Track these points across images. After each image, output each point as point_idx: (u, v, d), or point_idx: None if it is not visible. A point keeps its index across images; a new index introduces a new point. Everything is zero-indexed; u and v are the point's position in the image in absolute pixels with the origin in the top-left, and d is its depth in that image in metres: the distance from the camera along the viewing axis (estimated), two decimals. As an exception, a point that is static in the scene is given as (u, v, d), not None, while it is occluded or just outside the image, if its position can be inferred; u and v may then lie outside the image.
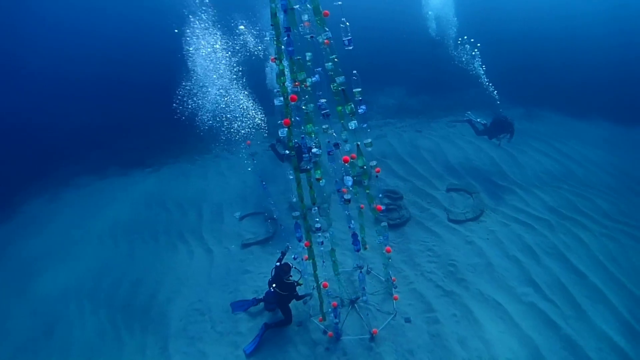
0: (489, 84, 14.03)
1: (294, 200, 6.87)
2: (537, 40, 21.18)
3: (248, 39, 13.88)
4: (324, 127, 6.20)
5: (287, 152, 6.11)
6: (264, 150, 15.54)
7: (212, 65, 12.59)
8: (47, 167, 16.41)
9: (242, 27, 13.89)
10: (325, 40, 5.29)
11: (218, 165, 15.45)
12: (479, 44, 14.39)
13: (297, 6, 5.18)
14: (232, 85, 12.77)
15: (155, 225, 12.05)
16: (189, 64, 12.65)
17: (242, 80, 12.89)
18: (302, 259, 7.41)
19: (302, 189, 6.26)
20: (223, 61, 12.66)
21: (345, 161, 5.80)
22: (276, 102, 5.63)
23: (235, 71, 12.84)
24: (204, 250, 10.58)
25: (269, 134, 13.98)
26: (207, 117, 13.57)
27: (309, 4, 5.09)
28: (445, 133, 15.54)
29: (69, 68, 21.16)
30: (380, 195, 7.68)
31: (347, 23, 5.24)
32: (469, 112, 14.20)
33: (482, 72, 14.27)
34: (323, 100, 5.79)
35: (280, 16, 5.14)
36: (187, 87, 13.22)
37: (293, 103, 5.50)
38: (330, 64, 5.62)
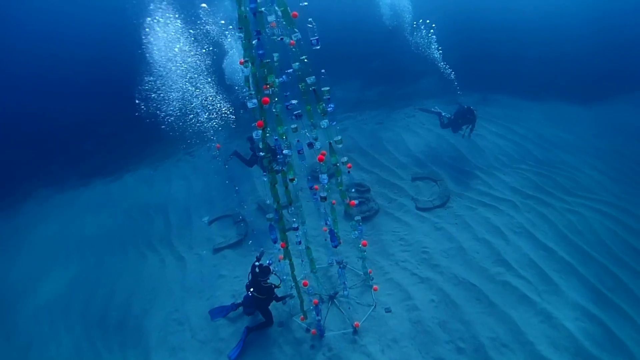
0: (446, 68, 14.35)
1: (268, 202, 6.81)
2: (490, 30, 21.94)
3: (210, 29, 13.72)
4: (292, 127, 6.12)
5: (261, 154, 6.01)
6: (226, 154, 15.21)
7: (172, 64, 12.31)
8: (4, 180, 15.72)
9: (203, 5, 13.64)
10: (291, 41, 5.36)
11: (181, 169, 15.23)
12: (434, 25, 14.69)
13: (263, 8, 5.21)
14: (194, 83, 12.55)
15: (122, 235, 11.80)
16: (148, 59, 12.31)
17: (204, 77, 12.69)
18: (278, 260, 7.29)
19: (276, 190, 6.16)
20: (185, 58, 12.41)
21: (321, 160, 5.78)
22: (249, 104, 5.61)
23: (197, 67, 12.60)
24: (175, 258, 10.35)
25: (231, 134, 13.85)
26: (167, 119, 13.25)
27: (277, 6, 5.16)
28: (405, 123, 15.77)
29: (13, 69, 20.11)
30: (350, 190, 7.69)
31: (314, 23, 5.30)
32: (436, 107, 14.51)
33: (438, 55, 14.56)
34: (294, 102, 5.88)
35: (250, 19, 5.19)
36: (145, 87, 12.85)
37: (265, 105, 5.51)
38: (297, 64, 5.63)
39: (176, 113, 13.22)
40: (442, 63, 14.56)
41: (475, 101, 17.12)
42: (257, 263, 7.34)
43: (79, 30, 21.32)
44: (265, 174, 6.33)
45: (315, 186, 6.77)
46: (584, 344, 6.32)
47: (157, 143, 16.63)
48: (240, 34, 5.32)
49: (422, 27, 14.96)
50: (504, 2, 24.02)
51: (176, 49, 12.14)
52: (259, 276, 7.10)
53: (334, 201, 7.86)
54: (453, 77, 14.22)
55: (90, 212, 13.42)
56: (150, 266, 10.21)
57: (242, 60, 5.52)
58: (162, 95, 12.85)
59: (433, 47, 14.68)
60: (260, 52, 5.30)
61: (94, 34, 20.76)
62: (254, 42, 5.29)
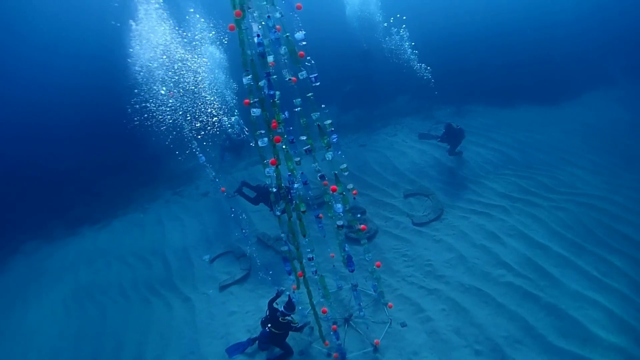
0: (424, 78, 15.29)
1: (283, 235, 7.18)
2: (456, 42, 23.31)
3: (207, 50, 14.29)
4: (296, 159, 6.65)
5: (274, 189, 6.52)
6: (214, 190, 15.64)
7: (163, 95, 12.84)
8: None
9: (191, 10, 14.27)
10: (293, 79, 5.83)
11: (171, 210, 15.28)
12: (404, 25, 15.76)
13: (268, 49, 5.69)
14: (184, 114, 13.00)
15: (120, 282, 11.72)
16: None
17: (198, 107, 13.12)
18: (292, 291, 7.73)
19: (291, 223, 6.62)
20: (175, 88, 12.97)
21: (334, 190, 6.32)
22: (260, 143, 6.04)
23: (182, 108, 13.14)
24: (181, 300, 10.41)
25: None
26: (154, 156, 13.53)
27: (285, 47, 5.63)
28: (388, 143, 16.61)
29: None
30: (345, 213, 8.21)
31: (313, 61, 5.85)
32: (432, 131, 15.35)
33: (413, 55, 15.53)
34: (304, 137, 6.36)
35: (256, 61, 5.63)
36: (130, 126, 13.25)
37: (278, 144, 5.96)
38: (299, 100, 6.17)
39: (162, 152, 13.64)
40: (415, 80, 15.57)
41: (451, 114, 18.20)
42: (274, 299, 7.75)
43: (60, 76, 21.50)
44: (277, 209, 6.81)
45: (320, 214, 7.35)
46: (590, 329, 6.98)
47: (143, 186, 16.85)
48: (247, 77, 5.70)
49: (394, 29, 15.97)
50: (461, 15, 25.72)
51: (162, 91, 12.66)
52: (284, 311, 7.50)
53: (339, 227, 8.41)
54: (428, 91, 15.22)
55: (83, 261, 13.23)
56: (157, 311, 10.19)
57: (247, 101, 5.86)
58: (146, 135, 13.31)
59: (407, 45, 15.67)
60: (271, 92, 5.72)
61: (76, 80, 20.97)
62: (261, 84, 5.71)
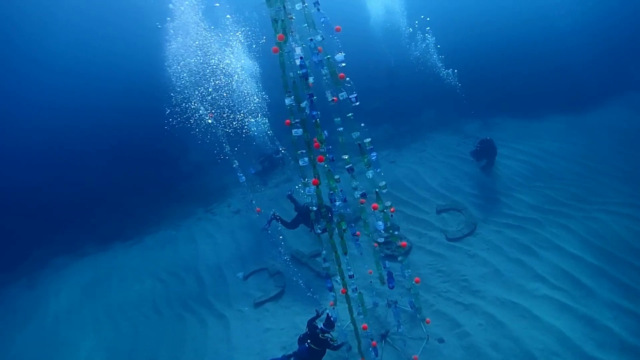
0: (450, 92, 15.74)
1: (324, 252, 7.64)
2: (479, 54, 23.71)
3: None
4: (336, 177, 7.06)
5: (314, 208, 6.96)
6: (246, 207, 16.04)
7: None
8: (19, 248, 16.01)
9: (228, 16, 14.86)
10: (334, 98, 6.13)
11: (204, 227, 15.59)
12: (428, 28, 16.31)
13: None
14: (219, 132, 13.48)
15: (154, 298, 12.00)
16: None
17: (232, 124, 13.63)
18: (331, 307, 8.21)
19: (334, 241, 7.00)
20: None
21: (375, 208, 6.75)
22: (301, 162, 6.28)
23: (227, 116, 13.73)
24: (216, 317, 10.63)
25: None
26: (185, 174, 13.98)
27: (327, 68, 6.02)
28: (417, 158, 17.13)
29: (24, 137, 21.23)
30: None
31: (352, 82, 6.24)
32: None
33: (439, 65, 16.03)
34: (346, 157, 6.73)
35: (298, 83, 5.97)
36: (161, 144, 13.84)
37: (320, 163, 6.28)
38: (338, 119, 6.61)
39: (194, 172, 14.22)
40: (441, 93, 16.07)
41: (478, 128, 18.58)
42: (315, 318, 8.25)
43: (93, 98, 22.79)
44: (318, 227, 7.19)
45: (357, 232, 7.90)
46: (627, 339, 7.30)
47: (174, 203, 17.31)
48: (290, 98, 5.95)
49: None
50: (481, 25, 26.13)
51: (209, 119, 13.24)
52: (323, 328, 8.01)
53: (375, 244, 8.92)
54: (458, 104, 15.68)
55: (115, 277, 13.54)
56: (191, 328, 10.37)
57: (289, 121, 6.14)
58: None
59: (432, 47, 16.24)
60: (314, 113, 6.00)
61: (110, 101, 22.21)
62: (303, 105, 5.98)
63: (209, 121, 12.99)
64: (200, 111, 13.09)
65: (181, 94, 14.44)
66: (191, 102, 14.13)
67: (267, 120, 15.15)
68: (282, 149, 15.26)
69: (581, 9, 24.33)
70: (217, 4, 15.86)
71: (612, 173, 13.33)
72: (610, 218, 10.68)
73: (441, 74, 17.14)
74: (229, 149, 13.02)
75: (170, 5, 14.03)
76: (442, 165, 16.01)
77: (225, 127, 13.91)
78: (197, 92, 14.19)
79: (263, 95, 16.03)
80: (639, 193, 11.78)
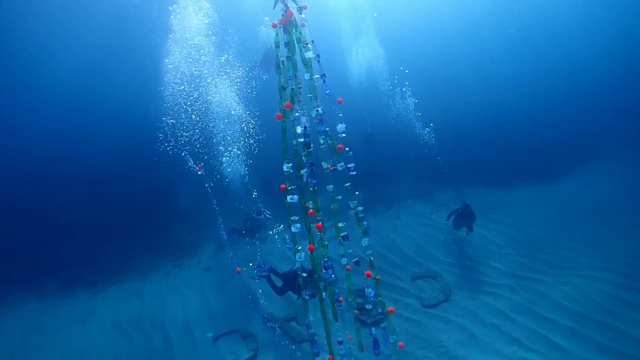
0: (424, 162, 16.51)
1: (312, 318, 7.64)
2: (450, 124, 25.18)
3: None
4: (324, 243, 7.33)
5: (304, 274, 6.99)
6: (217, 264, 16.00)
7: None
8: None
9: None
10: (328, 166, 6.21)
11: (172, 282, 15.23)
12: (407, 82, 17.32)
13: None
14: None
15: (117, 353, 11.54)
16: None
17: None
18: None
19: (324, 307, 7.12)
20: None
21: (368, 275, 6.97)
22: (293, 229, 6.24)
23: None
24: None
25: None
26: (156, 224, 13.52)
27: (329, 139, 6.15)
28: (391, 226, 17.61)
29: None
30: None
31: (351, 153, 6.59)
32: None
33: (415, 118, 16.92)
34: (341, 224, 6.97)
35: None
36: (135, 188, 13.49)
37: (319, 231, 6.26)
38: (331, 186, 6.95)
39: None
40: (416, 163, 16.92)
41: (451, 197, 19.43)
42: None
43: (68, 128, 22.92)
44: (305, 294, 7.28)
45: (341, 298, 8.03)
46: (604, 399, 7.51)
47: (142, 254, 16.89)
48: (288, 165, 5.99)
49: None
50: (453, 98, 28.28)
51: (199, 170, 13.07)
52: None
53: (357, 311, 9.01)
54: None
55: (76, 324, 13.04)
56: None
57: (283, 186, 6.08)
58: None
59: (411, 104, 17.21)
60: (314, 181, 6.06)
61: (85, 134, 22.33)
62: (303, 172, 6.02)
63: (199, 172, 13.00)
64: (190, 162, 13.08)
65: (168, 134, 14.49)
66: (179, 147, 14.11)
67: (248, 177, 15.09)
68: (267, 212, 15.30)
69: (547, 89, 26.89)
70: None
71: (582, 239, 14.15)
72: (582, 282, 11.26)
73: (417, 140, 18.21)
74: (215, 204, 13.04)
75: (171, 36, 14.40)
76: (416, 233, 16.51)
77: (209, 179, 13.78)
78: (183, 135, 14.28)
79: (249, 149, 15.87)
80: (608, 257, 12.53)
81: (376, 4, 24.27)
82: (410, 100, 19.10)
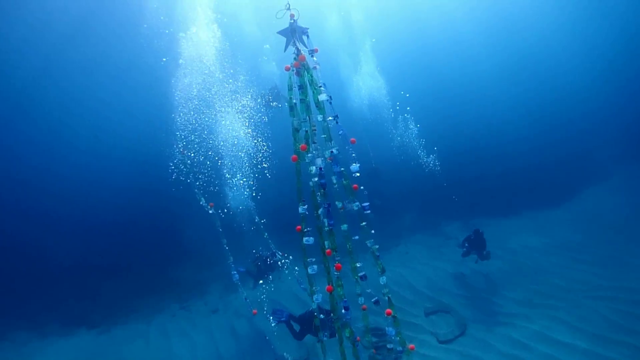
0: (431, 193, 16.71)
1: None
2: (456, 154, 25.62)
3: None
4: (339, 283, 7.38)
5: (322, 316, 7.06)
6: (225, 306, 15.91)
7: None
8: None
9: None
10: (341, 207, 6.34)
11: (178, 324, 15.02)
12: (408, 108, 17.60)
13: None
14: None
15: None
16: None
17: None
18: None
19: (343, 348, 7.13)
20: None
21: (388, 314, 7.04)
22: (310, 270, 6.30)
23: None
24: None
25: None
26: (161, 264, 13.37)
27: (344, 180, 6.30)
28: (401, 261, 17.67)
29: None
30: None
31: (366, 192, 6.85)
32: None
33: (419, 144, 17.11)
34: (359, 264, 6.61)
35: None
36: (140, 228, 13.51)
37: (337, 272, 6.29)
38: (345, 225, 6.51)
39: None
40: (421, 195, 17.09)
41: (459, 228, 19.57)
42: None
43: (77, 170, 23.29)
44: (323, 335, 7.29)
45: (357, 337, 8.09)
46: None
47: (147, 294, 16.83)
48: (303, 207, 6.08)
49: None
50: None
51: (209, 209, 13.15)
52: None
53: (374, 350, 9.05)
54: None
55: None
56: None
57: (299, 228, 6.17)
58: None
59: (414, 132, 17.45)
60: (332, 222, 6.11)
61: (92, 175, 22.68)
62: (320, 212, 6.08)
63: (210, 211, 13.09)
64: (201, 201, 13.16)
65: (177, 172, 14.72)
66: (189, 186, 14.23)
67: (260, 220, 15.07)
68: (280, 253, 15.34)
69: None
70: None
71: (592, 260, 14.26)
72: (596, 302, 11.35)
73: (422, 171, 18.52)
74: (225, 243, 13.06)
75: (181, 61, 14.67)
76: (426, 267, 16.56)
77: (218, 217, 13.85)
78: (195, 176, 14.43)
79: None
80: (619, 275, 12.66)
81: (374, 30, 25.17)
82: (412, 127, 19.49)
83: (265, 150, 15.41)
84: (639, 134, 23.31)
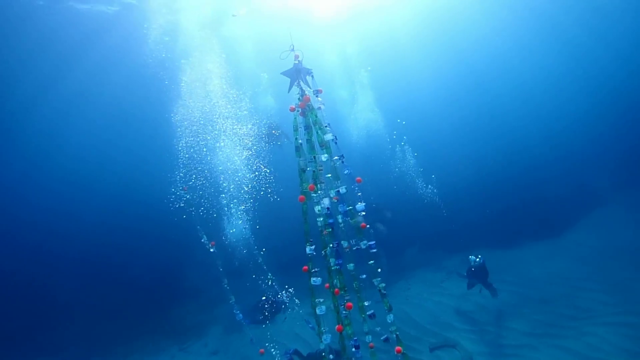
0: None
1: None
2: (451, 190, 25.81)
3: None
4: (347, 322, 7.26)
5: (331, 356, 6.91)
6: (225, 347, 15.70)
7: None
8: None
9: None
10: (347, 246, 6.39)
11: None
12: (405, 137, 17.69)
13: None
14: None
15: None
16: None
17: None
18: None
19: None
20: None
21: (398, 351, 6.99)
22: (318, 311, 6.25)
23: None
24: None
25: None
26: (160, 305, 13.20)
27: (351, 220, 6.37)
28: (402, 298, 17.56)
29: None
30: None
31: (372, 230, 6.58)
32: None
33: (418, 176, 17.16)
34: (367, 303, 6.64)
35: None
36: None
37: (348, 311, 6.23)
38: (352, 265, 6.58)
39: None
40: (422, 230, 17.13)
41: (460, 261, 19.50)
42: None
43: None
44: None
45: None
46: None
47: (146, 336, 16.74)
48: (310, 247, 6.11)
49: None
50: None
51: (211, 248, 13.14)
52: None
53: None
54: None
55: None
56: None
57: (306, 268, 6.18)
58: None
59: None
60: (340, 261, 6.22)
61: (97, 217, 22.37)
62: (329, 252, 6.15)
63: (211, 250, 13.06)
64: (203, 239, 13.17)
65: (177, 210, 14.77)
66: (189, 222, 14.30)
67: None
68: (284, 293, 15.21)
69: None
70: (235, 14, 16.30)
71: (596, 287, 14.16)
72: (603, 329, 11.27)
73: (421, 204, 18.55)
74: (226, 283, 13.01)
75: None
76: (429, 303, 16.43)
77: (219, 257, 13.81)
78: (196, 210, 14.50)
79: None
80: (624, 301, 12.56)
81: (370, 59, 25.71)
82: (410, 159, 19.70)
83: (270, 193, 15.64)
84: (634, 161, 23.67)
